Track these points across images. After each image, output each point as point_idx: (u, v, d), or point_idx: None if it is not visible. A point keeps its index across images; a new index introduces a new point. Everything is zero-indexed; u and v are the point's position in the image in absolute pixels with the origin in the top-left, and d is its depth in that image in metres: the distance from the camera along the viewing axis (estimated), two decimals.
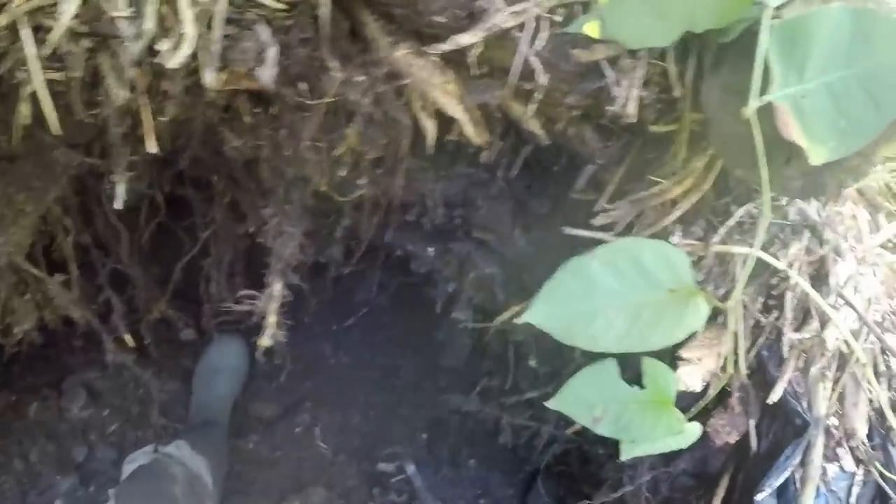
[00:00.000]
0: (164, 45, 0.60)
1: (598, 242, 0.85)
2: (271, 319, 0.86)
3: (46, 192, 0.82)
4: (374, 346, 1.69)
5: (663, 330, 0.63)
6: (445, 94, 0.71)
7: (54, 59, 0.65)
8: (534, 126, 0.82)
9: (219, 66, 0.66)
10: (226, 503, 1.28)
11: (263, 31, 0.65)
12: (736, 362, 0.76)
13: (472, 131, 0.76)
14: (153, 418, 1.37)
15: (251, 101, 0.75)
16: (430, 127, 0.75)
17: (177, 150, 0.89)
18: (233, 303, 1.32)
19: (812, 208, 0.84)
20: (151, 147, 0.71)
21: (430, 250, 1.25)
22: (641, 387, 0.69)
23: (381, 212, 0.98)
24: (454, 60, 0.72)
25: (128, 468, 1.17)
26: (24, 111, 0.67)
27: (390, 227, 1.11)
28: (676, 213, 0.80)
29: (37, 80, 0.64)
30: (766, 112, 0.58)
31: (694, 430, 0.69)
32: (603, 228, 0.82)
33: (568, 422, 1.01)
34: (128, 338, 1.18)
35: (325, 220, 1.06)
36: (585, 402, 0.72)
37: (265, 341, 0.86)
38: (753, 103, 0.55)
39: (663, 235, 0.82)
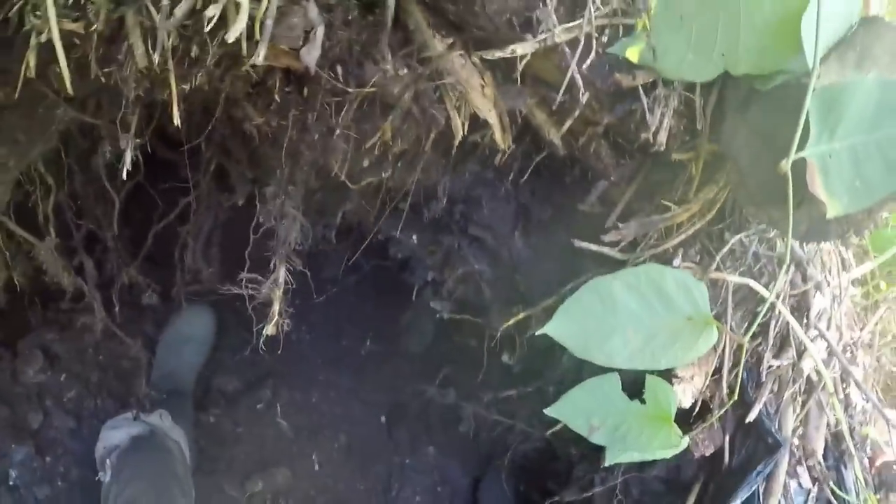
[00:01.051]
0: (210, 11, 0.56)
1: (602, 257, 0.89)
2: (276, 307, 0.83)
3: (32, 147, 0.75)
4: (338, 325, 1.66)
5: (675, 352, 0.66)
6: (483, 98, 0.71)
7: (72, 8, 0.59)
8: (555, 136, 0.83)
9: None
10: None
11: (312, 8, 0.61)
12: (729, 386, 0.81)
13: (500, 136, 0.76)
14: (112, 386, 1.26)
15: (284, 80, 0.72)
16: (460, 127, 0.75)
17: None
18: (207, 273, 1.27)
19: (796, 242, 0.91)
20: (176, 118, 0.66)
21: (414, 238, 1.24)
22: (642, 401, 0.73)
23: (386, 199, 0.96)
24: (496, 65, 0.71)
25: (113, 435, 1.11)
26: (31, 62, 0.61)
27: (385, 213, 1.09)
28: (679, 238, 0.83)
29: (52, 28, 0.58)
30: (794, 164, 0.62)
31: (683, 443, 0.74)
32: (609, 244, 0.84)
33: (542, 421, 1.05)
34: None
35: (324, 203, 1.03)
36: (584, 411, 0.75)
37: (270, 330, 0.83)
38: (792, 156, 0.58)
39: (664, 256, 0.86)
